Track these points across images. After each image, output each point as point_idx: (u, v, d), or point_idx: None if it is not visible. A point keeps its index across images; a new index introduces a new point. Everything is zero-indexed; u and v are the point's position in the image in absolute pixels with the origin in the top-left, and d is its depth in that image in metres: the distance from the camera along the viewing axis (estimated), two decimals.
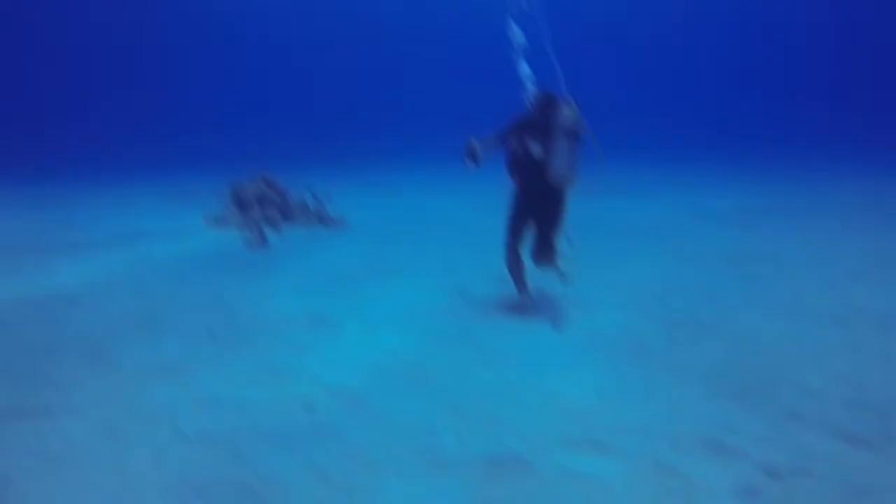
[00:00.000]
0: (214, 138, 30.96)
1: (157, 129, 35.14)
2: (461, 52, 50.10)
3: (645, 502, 2.55)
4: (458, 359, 4.19)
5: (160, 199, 13.52)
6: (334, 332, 4.80)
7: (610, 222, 9.52)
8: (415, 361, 4.16)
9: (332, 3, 49.93)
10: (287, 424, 3.29)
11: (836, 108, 34.18)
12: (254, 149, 26.40)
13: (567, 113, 4.59)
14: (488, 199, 12.56)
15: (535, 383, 3.77)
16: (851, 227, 8.66)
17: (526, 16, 5.06)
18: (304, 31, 49.75)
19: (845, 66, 42.95)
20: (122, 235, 9.15)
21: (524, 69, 5.07)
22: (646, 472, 2.76)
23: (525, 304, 5.20)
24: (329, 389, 3.71)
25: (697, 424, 3.19)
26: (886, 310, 5.02)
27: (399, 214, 11.34)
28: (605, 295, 5.65)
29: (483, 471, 2.80)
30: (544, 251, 5.02)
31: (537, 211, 4.90)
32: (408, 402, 3.54)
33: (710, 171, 17.16)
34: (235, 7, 47.63)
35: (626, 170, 16.62)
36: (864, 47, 43.03)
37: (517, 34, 5.11)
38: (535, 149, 4.69)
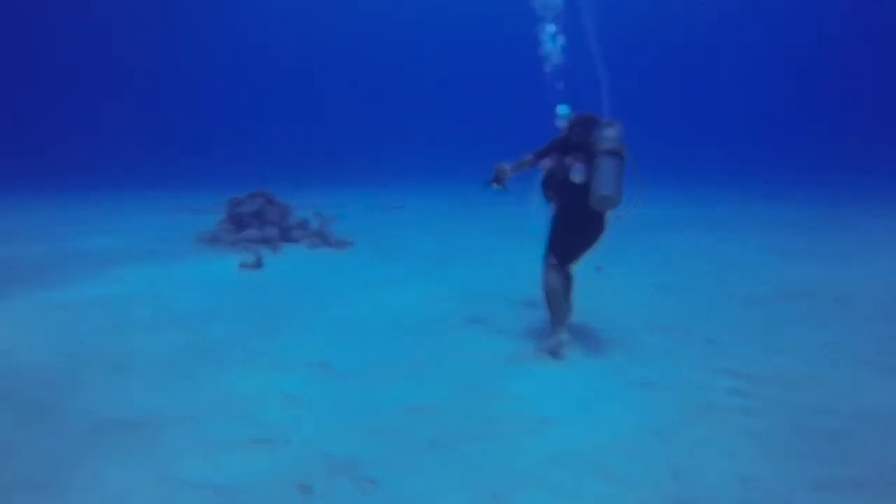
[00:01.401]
0: (221, 155, 30.76)
1: (165, 145, 35.05)
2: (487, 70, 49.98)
3: None
4: (489, 417, 3.54)
5: (156, 215, 13.01)
6: (336, 383, 4.17)
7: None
8: (435, 423, 3.52)
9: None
10: None
11: None
12: (259, 166, 26.08)
13: (611, 133, 4.37)
14: (501, 221, 12.03)
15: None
16: None
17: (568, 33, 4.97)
18: (312, 51, 49.68)
19: None
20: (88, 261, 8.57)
21: (559, 88, 4.94)
22: None
23: (558, 344, 4.57)
24: (329, 462, 3.07)
25: None
26: None
27: (407, 233, 10.76)
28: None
29: None
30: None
31: (578, 235, 4.65)
32: (428, 485, 2.89)
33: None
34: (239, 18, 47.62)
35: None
36: None
37: (553, 52, 4.96)
38: (577, 171, 4.52)
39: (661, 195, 16.74)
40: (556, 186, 4.70)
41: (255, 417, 3.54)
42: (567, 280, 4.78)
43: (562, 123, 4.80)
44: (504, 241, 10.19)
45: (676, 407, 3.68)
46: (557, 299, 4.62)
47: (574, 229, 4.64)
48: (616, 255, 7.66)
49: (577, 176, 4.50)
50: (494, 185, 4.78)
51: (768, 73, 47.48)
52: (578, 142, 4.59)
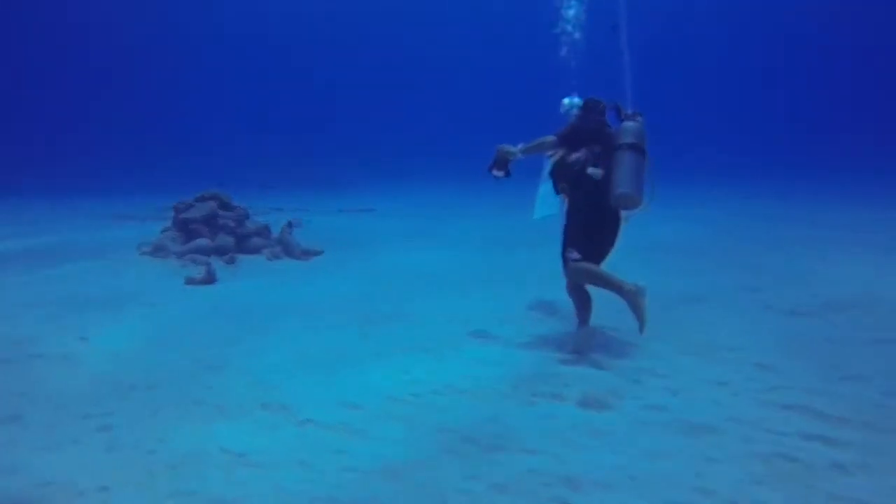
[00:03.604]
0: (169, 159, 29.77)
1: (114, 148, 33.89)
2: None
3: None
4: (497, 482, 2.83)
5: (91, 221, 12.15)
6: (298, 438, 3.42)
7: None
8: (421, 481, 2.80)
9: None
10: None
11: None
12: (217, 169, 25.18)
13: (631, 126, 4.32)
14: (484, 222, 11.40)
15: None
16: None
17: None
18: (278, 48, 48.67)
19: None
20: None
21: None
22: None
23: (584, 341, 4.50)
24: None
25: None
26: None
27: (382, 241, 10.06)
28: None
29: None
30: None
31: (597, 232, 4.53)
32: None
33: None
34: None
35: None
36: None
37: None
38: (594, 169, 4.37)
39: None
40: (570, 180, 4.51)
41: (187, 486, 2.78)
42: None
43: (569, 112, 4.78)
44: (489, 251, 9.52)
45: (739, 460, 2.99)
46: (597, 270, 4.39)
47: (592, 226, 4.48)
48: (628, 261, 7.01)
49: (594, 171, 4.34)
50: (495, 172, 4.62)
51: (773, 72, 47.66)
52: (593, 129, 4.50)
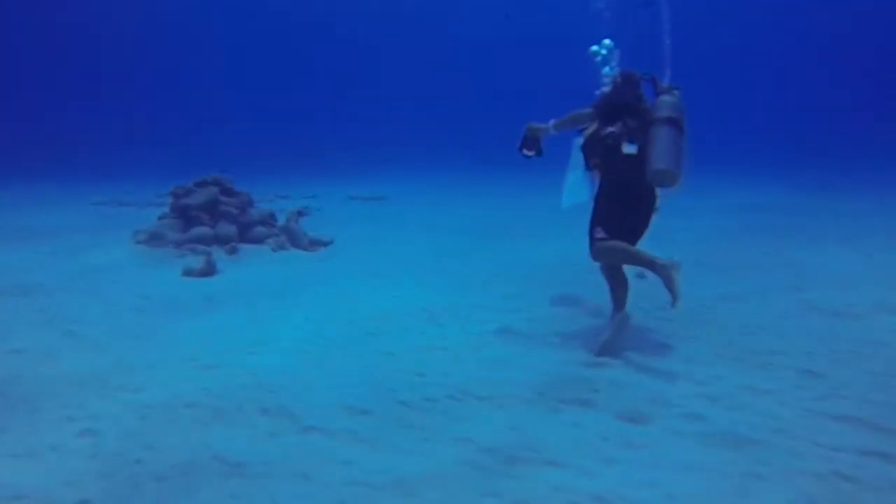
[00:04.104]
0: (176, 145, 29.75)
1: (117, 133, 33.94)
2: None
3: None
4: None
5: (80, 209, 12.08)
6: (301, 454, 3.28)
7: None
8: (436, 498, 2.65)
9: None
10: None
11: None
12: (220, 155, 25.13)
13: (669, 100, 4.24)
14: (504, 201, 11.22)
15: None
16: None
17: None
18: (284, 33, 48.45)
19: None
20: None
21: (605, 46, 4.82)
22: None
23: (619, 328, 4.40)
24: None
25: None
26: None
27: (394, 231, 9.91)
28: None
29: None
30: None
31: (630, 213, 4.48)
32: None
33: None
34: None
35: None
36: None
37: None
38: (629, 144, 4.29)
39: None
40: (603, 155, 4.42)
41: (175, 500, 2.65)
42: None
43: (596, 57, 4.75)
44: (504, 233, 9.34)
45: (789, 478, 2.81)
46: (625, 247, 4.31)
47: (624, 206, 4.43)
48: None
49: (629, 147, 4.26)
50: (525, 152, 4.71)
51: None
52: (628, 102, 4.42)
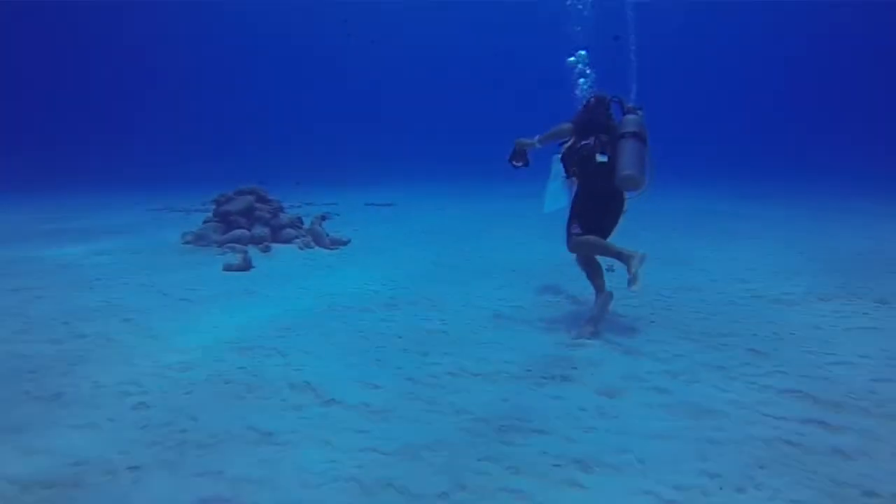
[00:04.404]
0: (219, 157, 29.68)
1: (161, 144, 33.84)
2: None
3: None
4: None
5: (138, 215, 11.97)
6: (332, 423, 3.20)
7: None
8: (439, 462, 2.56)
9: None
10: None
11: None
12: (254, 165, 25.05)
13: (633, 118, 4.28)
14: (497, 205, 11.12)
15: None
16: None
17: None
18: (308, 49, 48.05)
19: None
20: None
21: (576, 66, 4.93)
22: None
23: (603, 306, 4.45)
24: None
25: None
26: None
27: (408, 233, 9.81)
28: None
29: None
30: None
31: (602, 212, 4.45)
32: None
33: None
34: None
35: None
36: None
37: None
38: (602, 152, 4.31)
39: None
40: (579, 164, 4.44)
41: (214, 465, 2.55)
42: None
43: (575, 67, 4.78)
44: (500, 232, 9.24)
45: (743, 445, 2.73)
46: (597, 240, 4.29)
47: (597, 206, 4.42)
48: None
49: (601, 157, 4.29)
50: (515, 163, 4.65)
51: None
52: (600, 121, 4.45)
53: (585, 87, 4.84)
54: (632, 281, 3.95)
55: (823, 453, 2.64)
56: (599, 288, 4.58)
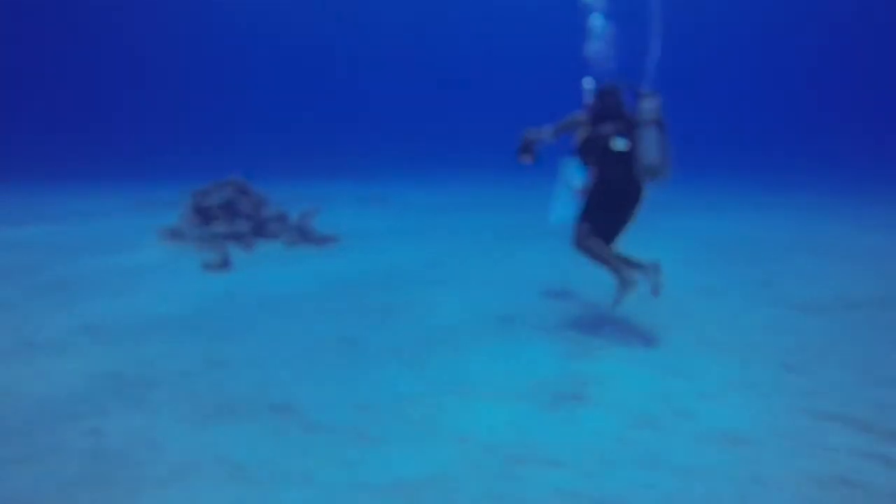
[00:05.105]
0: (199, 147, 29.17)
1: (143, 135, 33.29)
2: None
3: None
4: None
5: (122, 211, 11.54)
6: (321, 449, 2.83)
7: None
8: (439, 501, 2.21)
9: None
10: None
11: None
12: (237, 156, 24.62)
13: (651, 104, 3.95)
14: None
15: None
16: None
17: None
18: (300, 40, 47.52)
19: None
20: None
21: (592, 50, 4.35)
22: None
23: (656, 273, 4.11)
24: None
25: None
26: None
27: (402, 229, 9.43)
28: None
29: None
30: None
31: (617, 207, 4.18)
32: None
33: None
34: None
35: None
36: None
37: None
38: (620, 141, 4.02)
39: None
40: (596, 153, 4.14)
41: None
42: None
43: (588, 97, 4.26)
44: (498, 236, 8.89)
45: (787, 480, 2.39)
46: (603, 248, 4.12)
47: (614, 200, 4.15)
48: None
49: (619, 144, 4.01)
50: (521, 158, 4.29)
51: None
52: (612, 110, 4.16)
53: (602, 30, 4.30)
54: (616, 303, 4.07)
55: (885, 494, 2.30)
56: (634, 265, 4.19)
